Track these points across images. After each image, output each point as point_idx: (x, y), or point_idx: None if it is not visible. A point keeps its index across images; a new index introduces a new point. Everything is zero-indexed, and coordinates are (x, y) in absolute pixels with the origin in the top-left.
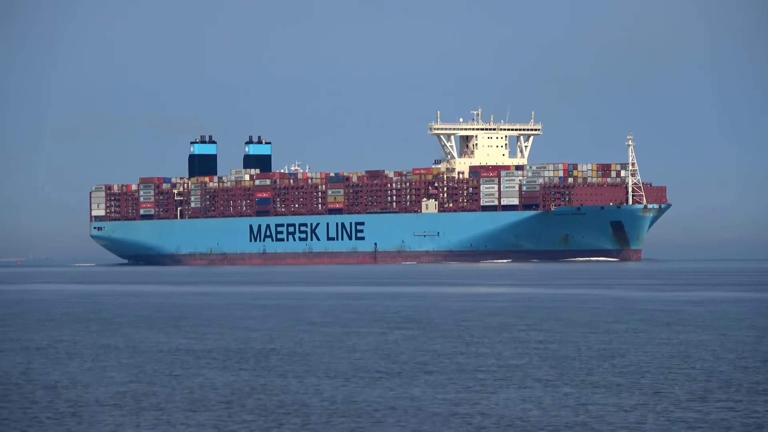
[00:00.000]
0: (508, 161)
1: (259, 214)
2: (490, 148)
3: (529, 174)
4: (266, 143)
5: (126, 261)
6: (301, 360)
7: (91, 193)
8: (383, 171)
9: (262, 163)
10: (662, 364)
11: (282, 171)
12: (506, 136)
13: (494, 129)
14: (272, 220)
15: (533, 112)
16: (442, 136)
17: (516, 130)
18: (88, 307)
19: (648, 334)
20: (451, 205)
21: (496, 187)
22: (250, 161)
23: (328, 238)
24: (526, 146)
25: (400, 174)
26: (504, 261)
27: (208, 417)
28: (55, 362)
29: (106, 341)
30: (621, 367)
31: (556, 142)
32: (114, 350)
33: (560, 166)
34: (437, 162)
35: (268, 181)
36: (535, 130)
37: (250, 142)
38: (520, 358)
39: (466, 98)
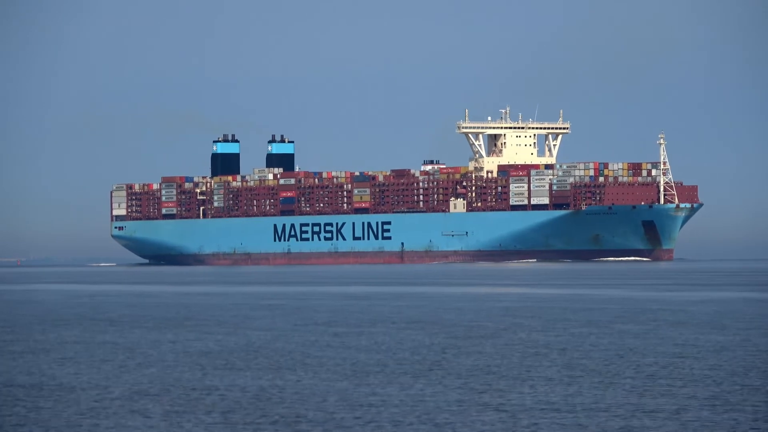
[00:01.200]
0: (536, 160)
1: (283, 213)
2: (519, 147)
3: (560, 173)
4: (289, 142)
5: (147, 261)
6: (310, 360)
7: (111, 192)
8: (409, 170)
9: (285, 162)
10: (675, 364)
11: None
12: (534, 135)
13: (522, 127)
14: (297, 220)
15: (561, 111)
16: (470, 135)
17: (544, 128)
18: (96, 308)
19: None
20: (479, 204)
21: (526, 186)
22: (273, 160)
23: (354, 238)
24: (554, 145)
25: (426, 173)
26: (532, 261)
27: (216, 418)
28: (61, 363)
29: (113, 342)
30: (634, 367)
31: (584, 141)
32: (121, 351)
33: (591, 165)
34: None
35: (292, 180)
36: (564, 128)
37: (273, 141)
38: (531, 359)
39: (494, 97)
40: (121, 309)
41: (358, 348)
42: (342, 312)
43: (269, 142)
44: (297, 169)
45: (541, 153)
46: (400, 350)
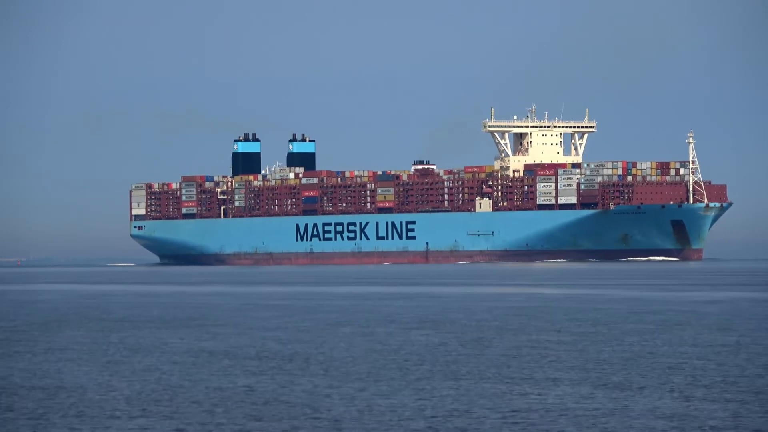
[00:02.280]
0: (562, 159)
1: (305, 213)
2: (545, 146)
3: (587, 172)
4: (310, 141)
5: (167, 261)
6: (319, 361)
7: (131, 191)
8: (433, 169)
9: (306, 161)
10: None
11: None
12: (560, 134)
13: (548, 126)
14: (319, 219)
15: (587, 109)
16: (496, 134)
17: (570, 127)
18: (103, 308)
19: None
20: (505, 203)
21: (553, 185)
22: (293, 159)
23: (378, 238)
24: (580, 144)
25: (451, 172)
26: (560, 261)
27: (224, 418)
28: (68, 364)
29: (119, 341)
30: (645, 368)
31: (610, 140)
32: (128, 351)
33: (619, 164)
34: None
35: (314, 180)
36: (590, 127)
37: (293, 140)
38: (541, 359)
39: (519, 95)
40: (129, 309)
41: (367, 348)
42: (355, 311)
43: (290, 141)
44: (318, 168)
45: (567, 152)
46: (409, 351)
